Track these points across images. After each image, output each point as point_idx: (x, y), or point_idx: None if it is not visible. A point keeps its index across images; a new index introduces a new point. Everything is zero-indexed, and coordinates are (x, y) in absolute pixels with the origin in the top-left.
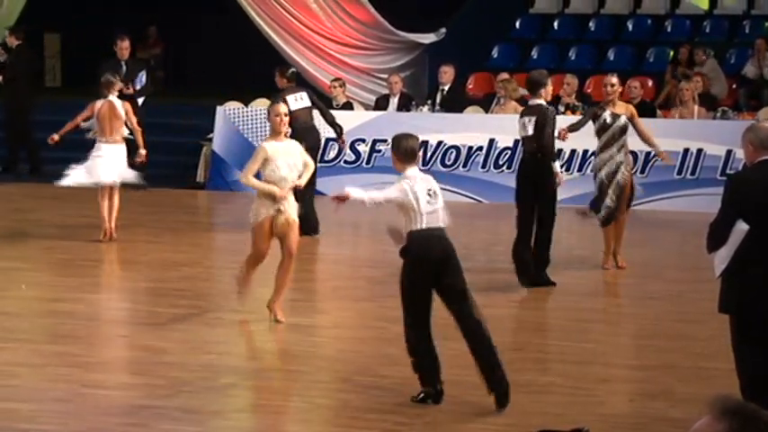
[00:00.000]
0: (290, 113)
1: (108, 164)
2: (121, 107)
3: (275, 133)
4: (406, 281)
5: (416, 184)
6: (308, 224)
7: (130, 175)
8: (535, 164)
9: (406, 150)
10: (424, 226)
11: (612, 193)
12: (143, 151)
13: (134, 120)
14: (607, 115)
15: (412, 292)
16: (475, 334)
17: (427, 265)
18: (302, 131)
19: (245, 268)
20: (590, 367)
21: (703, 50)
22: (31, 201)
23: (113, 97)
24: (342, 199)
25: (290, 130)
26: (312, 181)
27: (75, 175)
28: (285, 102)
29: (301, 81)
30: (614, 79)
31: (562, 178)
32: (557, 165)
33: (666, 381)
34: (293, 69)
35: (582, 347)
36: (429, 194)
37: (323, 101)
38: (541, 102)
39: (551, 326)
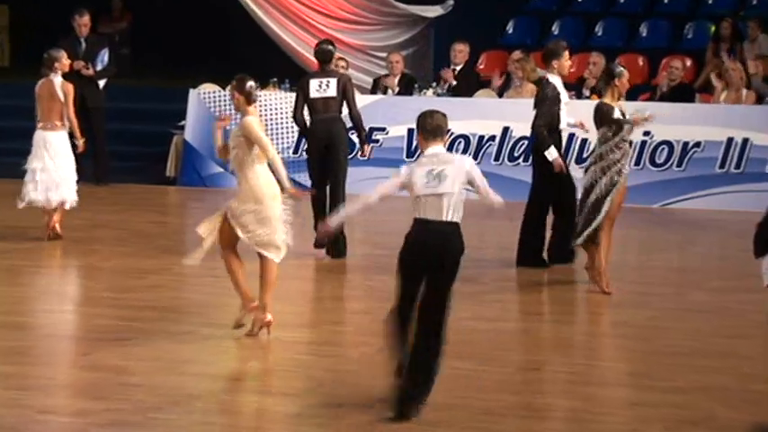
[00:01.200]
0: (308, 101)
1: (51, 178)
2: (60, 88)
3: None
4: (397, 270)
5: (419, 165)
6: None
7: (70, 194)
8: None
9: (431, 126)
10: (420, 214)
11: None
12: (80, 142)
13: (71, 106)
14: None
15: (399, 280)
16: (427, 336)
17: (413, 261)
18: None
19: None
20: (619, 390)
21: (758, 23)
22: None
23: (55, 76)
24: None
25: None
26: None
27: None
28: (308, 83)
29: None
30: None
31: (560, 164)
32: (551, 151)
33: (707, 405)
34: (325, 46)
35: (609, 367)
36: (429, 176)
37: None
38: (548, 75)
39: (574, 342)
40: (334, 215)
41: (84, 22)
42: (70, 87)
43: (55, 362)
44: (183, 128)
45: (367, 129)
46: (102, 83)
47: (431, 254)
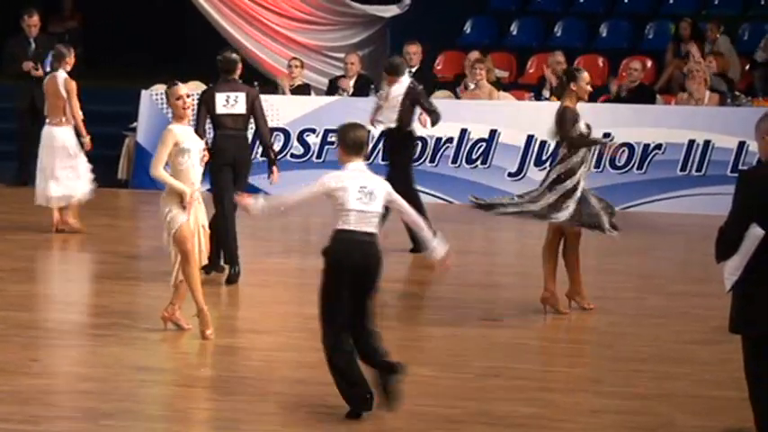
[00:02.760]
0: (216, 117)
1: (53, 174)
2: (63, 85)
3: (178, 118)
4: (324, 286)
5: (349, 179)
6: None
7: (79, 188)
8: None
9: (353, 141)
10: (349, 226)
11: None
12: (86, 139)
13: (75, 102)
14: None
15: (328, 298)
16: (369, 347)
17: (344, 272)
18: (227, 141)
19: (189, 282)
20: (579, 396)
21: (717, 25)
22: None
23: (60, 72)
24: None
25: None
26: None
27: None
28: (213, 97)
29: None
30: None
31: None
32: None
33: (668, 412)
34: (227, 55)
35: (570, 373)
36: (362, 192)
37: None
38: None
39: (534, 348)
40: (261, 201)
41: (33, 22)
42: (73, 84)
43: (2, 368)
44: (134, 129)
45: (322, 131)
46: None
47: (358, 264)
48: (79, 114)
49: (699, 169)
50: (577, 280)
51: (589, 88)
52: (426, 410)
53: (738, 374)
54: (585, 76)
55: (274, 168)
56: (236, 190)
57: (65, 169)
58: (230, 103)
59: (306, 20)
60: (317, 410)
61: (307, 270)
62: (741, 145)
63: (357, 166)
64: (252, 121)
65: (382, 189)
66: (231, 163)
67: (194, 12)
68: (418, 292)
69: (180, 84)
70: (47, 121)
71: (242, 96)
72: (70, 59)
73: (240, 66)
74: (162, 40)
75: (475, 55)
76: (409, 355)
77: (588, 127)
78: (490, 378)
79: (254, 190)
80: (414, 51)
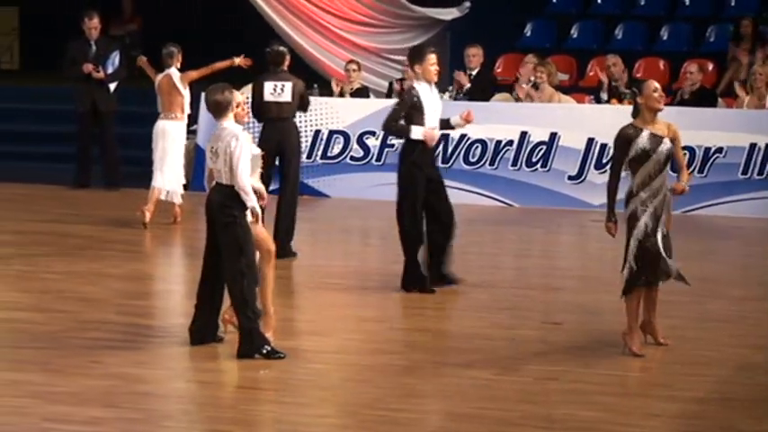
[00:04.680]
0: (263, 104)
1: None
2: (179, 80)
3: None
4: None
5: (209, 141)
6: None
7: (172, 188)
8: None
9: (209, 104)
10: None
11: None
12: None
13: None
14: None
15: None
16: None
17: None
18: (273, 128)
19: (263, 282)
20: (638, 400)
21: None
22: None
23: (173, 69)
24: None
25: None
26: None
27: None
28: (262, 86)
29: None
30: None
31: None
32: None
33: (727, 416)
34: (276, 48)
35: (629, 377)
36: (211, 151)
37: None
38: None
39: (592, 351)
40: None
41: (93, 24)
42: (189, 76)
43: (63, 369)
44: (195, 132)
45: (382, 133)
46: (112, 86)
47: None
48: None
49: (760, 173)
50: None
51: (656, 95)
52: (485, 413)
53: None
54: (650, 85)
55: None
56: (286, 176)
57: (175, 162)
58: (277, 91)
59: (365, 22)
60: (377, 414)
61: (366, 273)
62: None
63: (220, 126)
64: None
65: (224, 148)
66: (277, 150)
67: (253, 13)
68: (477, 294)
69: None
70: (161, 116)
71: (288, 86)
72: (180, 57)
73: (288, 58)
74: (220, 42)
75: (531, 58)
76: (467, 358)
77: (654, 138)
78: (549, 381)
79: (311, 190)
80: (473, 54)
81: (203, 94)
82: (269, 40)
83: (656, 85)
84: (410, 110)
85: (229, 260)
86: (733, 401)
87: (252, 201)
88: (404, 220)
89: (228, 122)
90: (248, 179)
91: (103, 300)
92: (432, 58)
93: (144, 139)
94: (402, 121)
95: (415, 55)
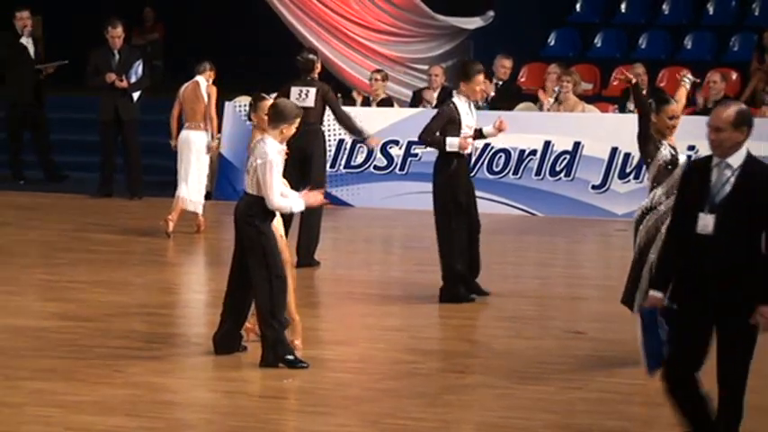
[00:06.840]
0: None
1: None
2: (205, 90)
3: (262, 130)
4: None
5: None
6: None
7: (196, 198)
8: None
9: (276, 107)
10: None
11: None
12: (214, 143)
13: (214, 107)
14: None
15: None
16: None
17: None
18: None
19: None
20: (661, 409)
21: None
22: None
23: (201, 78)
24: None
25: None
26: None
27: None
28: (288, 91)
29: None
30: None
31: None
32: None
33: (753, 426)
34: (306, 55)
35: (652, 386)
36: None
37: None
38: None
39: (617, 360)
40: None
41: (117, 33)
42: (214, 89)
43: (86, 378)
44: (219, 141)
45: (405, 143)
46: (135, 95)
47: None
48: (215, 116)
49: None
50: None
51: (670, 123)
52: (508, 423)
53: None
54: (668, 111)
55: (369, 140)
56: (308, 182)
57: (199, 173)
58: (302, 96)
59: (390, 32)
60: (399, 423)
61: (389, 282)
62: None
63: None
64: (328, 115)
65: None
66: (300, 156)
67: (276, 23)
68: (500, 303)
69: (266, 96)
70: (185, 126)
71: (312, 91)
72: (212, 74)
73: (319, 65)
74: (242, 51)
75: (554, 68)
76: (490, 367)
77: (673, 150)
78: (572, 391)
79: (334, 199)
80: (506, 65)
81: (229, 104)
82: (286, 50)
83: (676, 112)
84: (447, 124)
85: (255, 269)
86: (760, 410)
87: (298, 206)
88: (443, 234)
89: (270, 138)
90: (279, 199)
91: (127, 308)
92: (480, 78)
93: (167, 148)
94: (437, 134)
95: (464, 72)
